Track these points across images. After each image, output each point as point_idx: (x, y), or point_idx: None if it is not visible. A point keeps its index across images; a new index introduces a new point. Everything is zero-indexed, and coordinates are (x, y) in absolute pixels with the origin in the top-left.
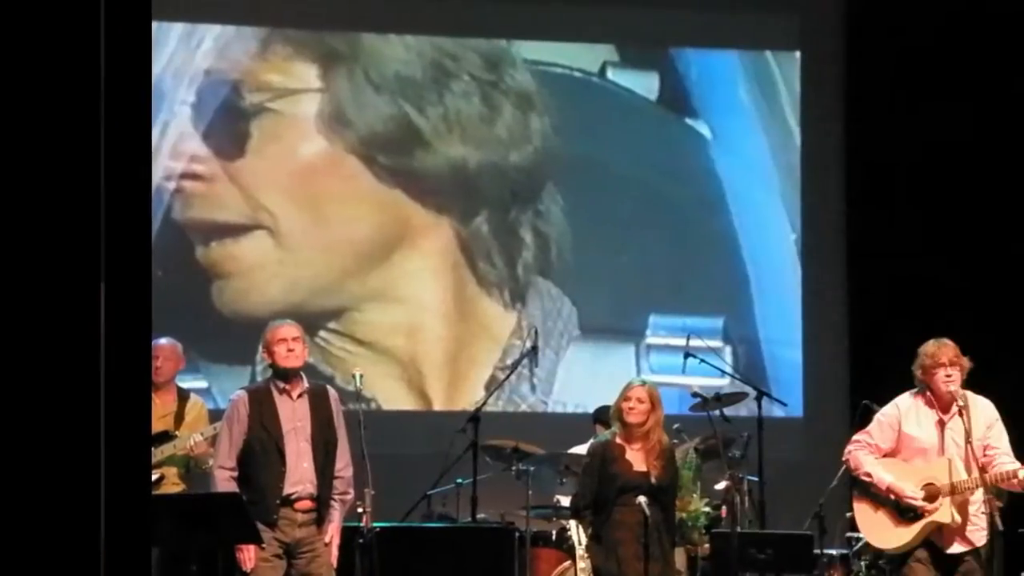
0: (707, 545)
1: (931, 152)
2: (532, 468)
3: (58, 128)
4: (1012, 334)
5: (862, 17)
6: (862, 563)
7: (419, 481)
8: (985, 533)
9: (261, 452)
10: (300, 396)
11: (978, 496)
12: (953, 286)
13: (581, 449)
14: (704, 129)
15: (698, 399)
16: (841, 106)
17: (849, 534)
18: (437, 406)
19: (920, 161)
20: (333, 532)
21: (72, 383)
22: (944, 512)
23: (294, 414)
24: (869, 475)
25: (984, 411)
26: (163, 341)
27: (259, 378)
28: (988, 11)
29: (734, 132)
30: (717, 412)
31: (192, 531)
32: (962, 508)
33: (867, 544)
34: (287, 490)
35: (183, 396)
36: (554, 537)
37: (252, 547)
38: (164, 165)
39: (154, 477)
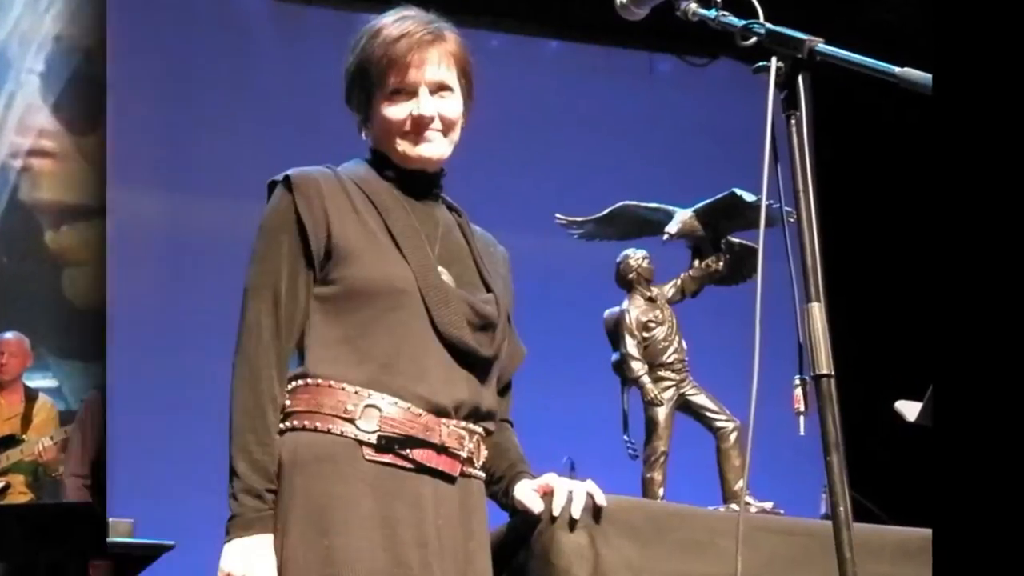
0: None
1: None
2: None
3: None
4: None
5: None
6: None
7: None
8: None
9: None
10: None
11: None
12: None
13: None
14: None
15: None
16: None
17: None
18: None
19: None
20: None
21: None
22: None
23: None
24: None
25: None
26: (8, 335)
27: None
28: None
29: None
30: None
31: (41, 544)
32: None
33: None
34: None
35: (31, 396)
36: None
37: (107, 563)
38: (9, 141)
39: None
